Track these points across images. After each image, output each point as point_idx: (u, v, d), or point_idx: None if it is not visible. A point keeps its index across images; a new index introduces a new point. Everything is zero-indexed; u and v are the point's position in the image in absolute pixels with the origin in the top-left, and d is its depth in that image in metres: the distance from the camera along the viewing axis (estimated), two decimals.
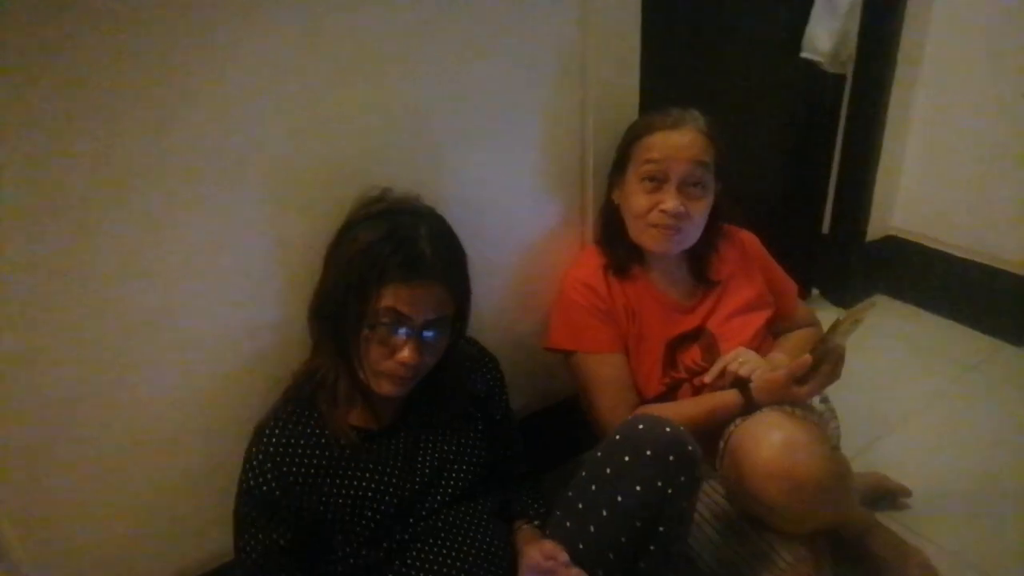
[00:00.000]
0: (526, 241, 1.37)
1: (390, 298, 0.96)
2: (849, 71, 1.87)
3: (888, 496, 1.47)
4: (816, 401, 1.28)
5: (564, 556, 0.99)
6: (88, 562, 1.07)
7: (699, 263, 1.33)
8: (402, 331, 0.98)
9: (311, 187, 1.08)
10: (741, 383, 1.19)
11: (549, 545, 1.02)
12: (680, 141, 1.21)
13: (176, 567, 1.15)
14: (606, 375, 1.27)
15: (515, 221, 1.34)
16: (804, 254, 2.08)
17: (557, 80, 1.28)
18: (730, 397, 1.18)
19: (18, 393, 0.95)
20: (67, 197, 0.91)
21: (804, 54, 1.77)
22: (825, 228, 2.13)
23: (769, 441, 1.05)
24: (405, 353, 0.98)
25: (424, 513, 1.07)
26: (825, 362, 1.12)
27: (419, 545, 1.05)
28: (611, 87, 1.34)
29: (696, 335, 1.30)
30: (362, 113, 1.10)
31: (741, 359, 1.20)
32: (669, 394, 1.27)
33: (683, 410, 1.20)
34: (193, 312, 1.04)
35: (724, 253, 1.35)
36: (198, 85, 0.95)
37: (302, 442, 1.02)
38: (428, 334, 0.99)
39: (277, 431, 1.02)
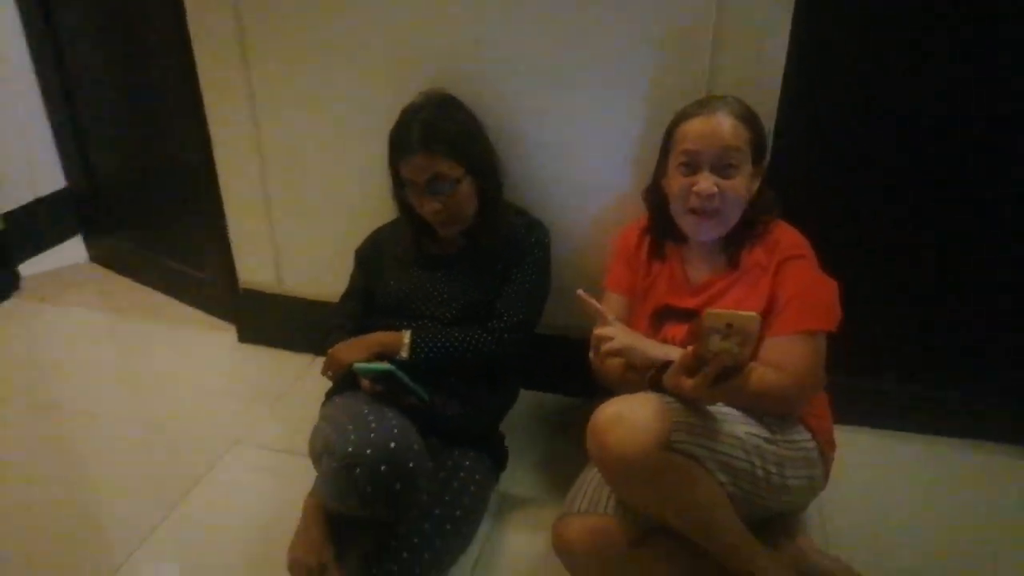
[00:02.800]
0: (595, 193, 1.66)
1: (405, 169, 1.49)
2: None
3: None
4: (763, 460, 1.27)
5: None
6: None
7: (731, 247, 1.39)
8: (418, 189, 1.49)
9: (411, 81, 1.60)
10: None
11: None
12: (713, 127, 1.31)
13: None
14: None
15: (603, 172, 1.64)
16: None
17: (674, 55, 1.48)
18: (629, 374, 1.33)
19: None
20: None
21: None
22: None
23: (605, 408, 1.22)
24: (428, 205, 1.50)
25: (429, 315, 1.57)
26: (710, 364, 1.15)
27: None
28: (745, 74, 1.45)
29: (688, 315, 1.38)
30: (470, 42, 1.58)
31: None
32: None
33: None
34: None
35: (759, 247, 1.37)
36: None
37: (389, 240, 1.67)
38: (444, 188, 1.47)
39: (378, 231, 1.70)
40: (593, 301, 1.33)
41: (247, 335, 2.16)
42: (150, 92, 2.18)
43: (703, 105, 1.36)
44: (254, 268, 2.05)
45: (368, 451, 1.18)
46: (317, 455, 1.33)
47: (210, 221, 2.04)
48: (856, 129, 1.58)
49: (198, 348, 2.17)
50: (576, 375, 1.50)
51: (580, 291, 1.34)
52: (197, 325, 2.28)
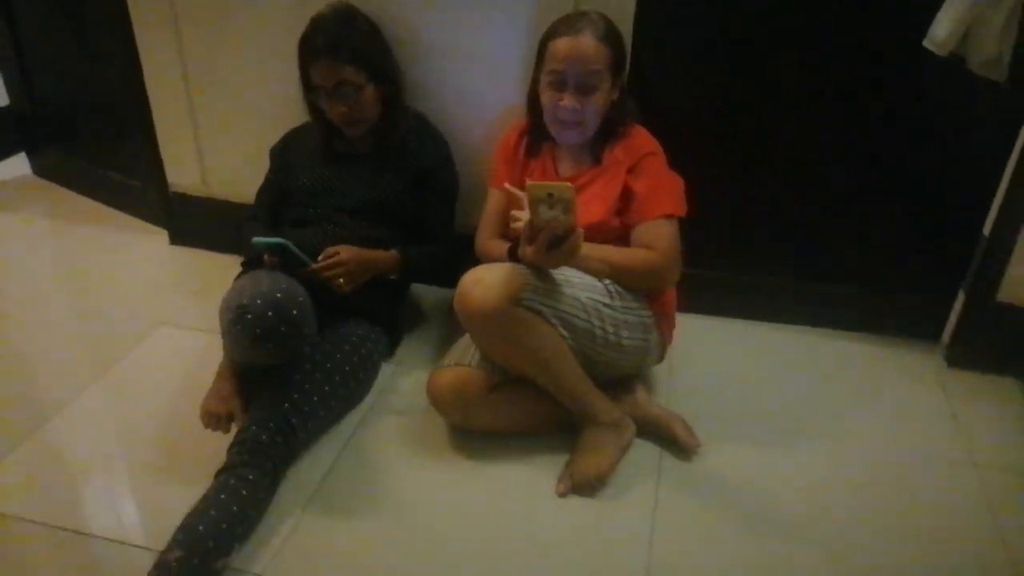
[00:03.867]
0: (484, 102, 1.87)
1: (313, 75, 1.67)
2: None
3: (674, 443, 1.58)
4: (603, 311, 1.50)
5: (343, 254, 1.62)
6: None
7: (596, 146, 1.61)
8: (326, 93, 1.68)
9: None
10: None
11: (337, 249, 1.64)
12: (578, 49, 1.50)
13: None
14: (488, 205, 1.74)
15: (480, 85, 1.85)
16: None
17: None
18: (501, 249, 1.56)
19: None
20: None
21: (924, 42, 1.57)
22: None
23: (468, 274, 1.44)
24: (335, 107, 1.69)
25: (335, 207, 1.77)
26: (542, 231, 1.35)
27: (322, 223, 1.78)
28: None
29: None
30: None
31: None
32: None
33: (495, 249, 1.63)
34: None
35: (619, 147, 1.59)
36: None
37: (301, 139, 1.86)
38: (350, 93, 1.66)
39: (291, 132, 1.89)
40: (515, 190, 1.49)
41: (178, 237, 2.34)
42: (84, 15, 2.32)
43: (570, 25, 1.54)
44: (182, 173, 2.22)
45: (258, 301, 1.39)
46: (221, 316, 1.54)
47: (142, 132, 2.19)
48: (705, 40, 1.79)
49: (133, 250, 2.35)
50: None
51: (506, 184, 1.54)
52: (133, 230, 2.45)
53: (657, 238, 1.53)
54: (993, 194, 1.74)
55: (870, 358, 1.91)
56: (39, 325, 1.99)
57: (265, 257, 1.60)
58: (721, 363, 1.88)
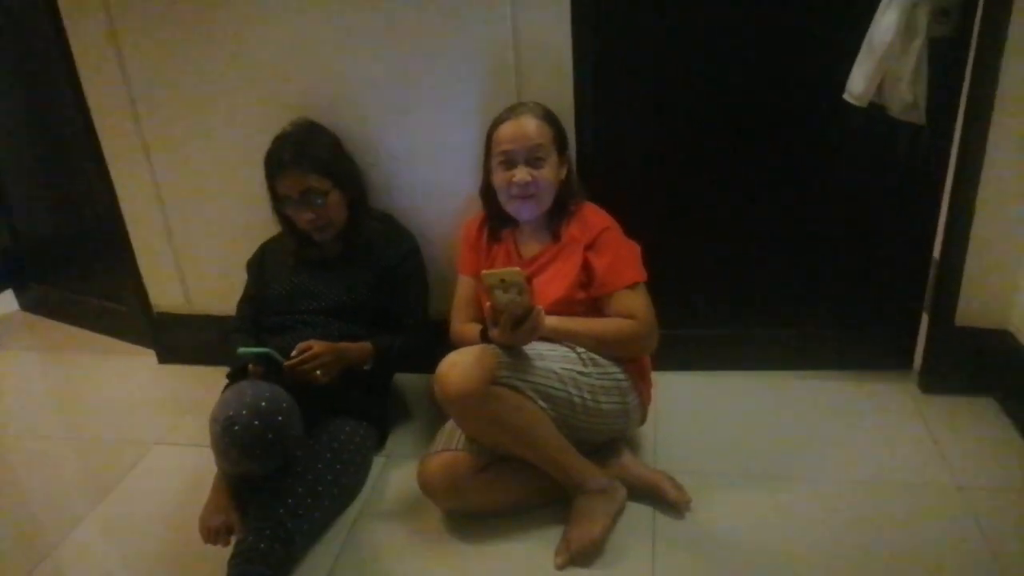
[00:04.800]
0: (447, 195, 1.97)
1: (279, 187, 1.77)
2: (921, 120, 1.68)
3: (664, 502, 1.60)
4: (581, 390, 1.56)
5: (316, 347, 1.66)
6: None
7: (552, 224, 1.70)
8: (293, 203, 1.77)
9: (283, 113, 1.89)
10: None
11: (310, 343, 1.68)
12: (522, 128, 1.63)
13: None
14: (459, 292, 1.82)
15: (442, 180, 1.97)
16: None
17: (491, 78, 1.82)
18: (474, 333, 1.62)
19: None
20: None
21: (844, 95, 1.69)
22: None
23: (444, 360, 1.50)
24: (302, 215, 1.78)
25: (311, 310, 1.84)
26: (504, 315, 1.44)
27: (300, 327, 1.85)
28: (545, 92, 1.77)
29: None
30: (333, 77, 1.89)
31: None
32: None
33: (467, 333, 1.69)
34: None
35: (574, 224, 1.68)
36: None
37: (275, 250, 1.94)
38: (316, 200, 1.76)
39: (265, 243, 1.98)
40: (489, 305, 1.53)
41: (166, 356, 2.40)
42: (58, 153, 2.44)
43: (512, 111, 1.68)
44: (164, 293, 2.30)
45: (243, 411, 1.44)
46: (210, 429, 1.58)
47: (122, 257, 2.28)
48: (640, 119, 1.92)
49: (122, 372, 2.40)
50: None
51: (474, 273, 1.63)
52: (121, 353, 2.51)
53: (633, 307, 1.61)
54: (935, 222, 1.84)
55: (846, 394, 1.97)
56: (35, 458, 2.02)
57: (250, 367, 1.65)
58: (702, 416, 1.93)
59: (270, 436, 1.44)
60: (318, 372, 1.66)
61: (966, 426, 1.81)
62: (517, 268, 1.42)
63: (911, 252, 1.90)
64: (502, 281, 1.41)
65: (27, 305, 2.88)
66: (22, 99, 2.47)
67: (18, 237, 2.77)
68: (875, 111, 1.71)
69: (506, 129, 1.65)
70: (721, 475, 1.70)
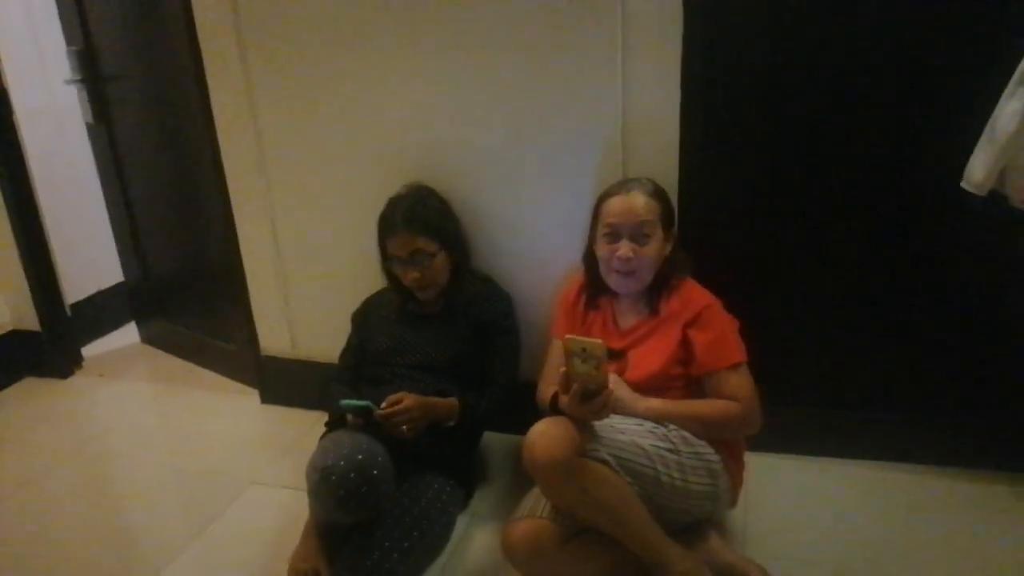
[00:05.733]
0: (547, 263, 2.02)
1: (390, 246, 1.86)
2: None
3: None
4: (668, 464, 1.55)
5: (406, 401, 1.70)
6: None
7: (652, 298, 1.71)
8: (401, 262, 1.86)
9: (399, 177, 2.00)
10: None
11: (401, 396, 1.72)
12: (630, 204, 1.66)
13: None
14: (550, 356, 1.84)
15: (543, 248, 2.02)
16: None
17: (599, 152, 1.87)
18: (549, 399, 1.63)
19: None
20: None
21: (963, 183, 1.64)
22: None
23: (533, 428, 1.50)
24: (409, 274, 1.87)
25: (409, 364, 1.92)
26: (575, 384, 1.44)
27: (398, 380, 1.91)
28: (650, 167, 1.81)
29: (618, 354, 1.70)
30: (448, 145, 1.99)
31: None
32: None
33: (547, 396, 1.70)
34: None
35: (674, 299, 1.68)
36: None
37: (379, 304, 2.04)
38: (423, 261, 1.84)
39: (370, 298, 2.07)
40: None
41: (269, 397, 2.52)
42: (190, 199, 2.65)
43: (622, 185, 1.71)
44: (273, 336, 2.43)
45: (341, 463, 1.49)
46: (307, 476, 1.64)
47: (237, 301, 2.43)
48: (747, 198, 1.91)
49: (227, 410, 2.53)
50: (536, 417, 1.72)
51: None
52: (227, 391, 2.65)
53: (736, 388, 1.60)
54: None
55: (958, 494, 1.85)
56: (140, 486, 2.15)
57: (349, 418, 1.72)
58: (796, 504, 1.86)
59: (364, 489, 1.49)
60: (404, 428, 1.70)
61: None
62: (600, 341, 1.42)
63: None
64: (584, 350, 1.41)
65: (147, 338, 3.09)
66: (163, 147, 2.70)
67: (147, 274, 3.00)
68: (995, 201, 1.65)
69: (615, 203, 1.68)
70: (812, 568, 1.63)
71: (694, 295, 1.68)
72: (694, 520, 1.65)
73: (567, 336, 1.44)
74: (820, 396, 1.99)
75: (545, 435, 1.48)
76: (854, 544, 1.70)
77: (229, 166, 2.28)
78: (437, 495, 1.74)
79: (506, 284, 2.04)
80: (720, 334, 1.63)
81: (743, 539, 1.73)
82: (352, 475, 1.48)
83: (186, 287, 2.87)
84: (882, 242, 1.85)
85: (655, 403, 1.59)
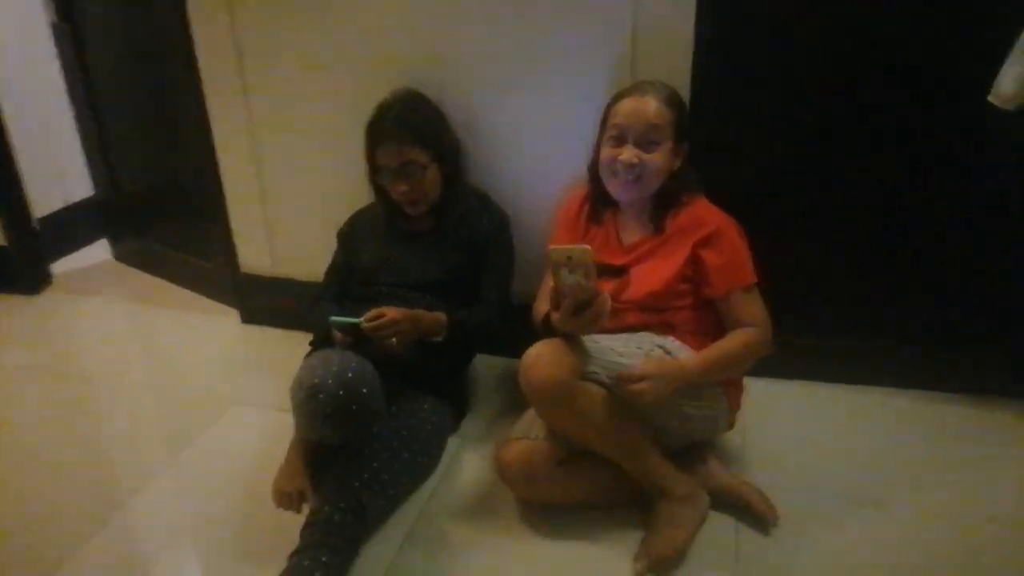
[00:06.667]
0: (547, 179, 1.90)
1: (379, 157, 1.74)
2: None
3: (750, 515, 1.52)
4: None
5: (390, 314, 1.61)
6: None
7: (658, 213, 1.61)
8: (391, 174, 1.74)
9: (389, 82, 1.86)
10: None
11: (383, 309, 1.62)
12: (641, 106, 1.54)
13: None
14: (546, 270, 1.75)
15: (543, 162, 1.90)
16: None
17: (606, 56, 1.75)
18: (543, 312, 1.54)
19: None
20: None
21: (990, 97, 1.55)
22: None
23: (529, 350, 1.44)
24: (398, 187, 1.75)
25: (397, 283, 1.81)
26: (567, 297, 1.36)
27: (385, 300, 1.78)
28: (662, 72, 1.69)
29: (619, 271, 1.61)
30: (442, 48, 1.86)
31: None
32: None
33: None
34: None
35: (683, 215, 1.59)
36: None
37: (365, 221, 1.93)
38: (413, 173, 1.72)
39: (357, 213, 1.96)
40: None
41: (249, 316, 2.43)
42: (164, 110, 2.49)
43: (635, 88, 1.59)
44: (253, 254, 2.32)
45: (329, 380, 1.42)
46: (293, 394, 1.57)
47: (215, 217, 2.31)
48: (763, 110, 1.80)
49: (206, 329, 2.44)
50: (531, 339, 1.66)
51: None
52: (206, 310, 2.56)
53: (753, 312, 1.55)
54: None
55: (954, 419, 1.83)
56: (117, 407, 2.07)
57: (338, 336, 1.63)
58: (794, 428, 1.82)
59: (353, 407, 1.41)
60: (394, 340, 1.62)
61: None
62: (587, 247, 1.32)
63: None
64: (569, 259, 1.32)
65: (120, 255, 2.97)
66: (131, 53, 2.52)
67: (119, 188, 2.84)
68: (1021, 116, 1.56)
69: (625, 104, 1.56)
70: (812, 493, 1.60)
71: (706, 214, 1.59)
72: (691, 443, 1.61)
73: (551, 247, 1.35)
74: (824, 322, 1.93)
75: (542, 357, 1.41)
76: (857, 471, 1.68)
77: (206, 73, 2.12)
78: (428, 416, 1.68)
79: (503, 202, 1.92)
80: (735, 255, 1.55)
81: (741, 463, 1.70)
82: (341, 392, 1.41)
83: (160, 202, 2.73)
84: (902, 159, 1.76)
85: (690, 362, 1.49)
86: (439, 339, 1.72)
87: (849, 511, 1.56)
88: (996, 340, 1.85)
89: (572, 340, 1.44)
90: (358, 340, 1.62)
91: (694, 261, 1.56)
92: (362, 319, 1.59)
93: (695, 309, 1.58)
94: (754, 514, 1.52)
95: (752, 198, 1.68)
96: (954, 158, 1.74)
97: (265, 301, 2.37)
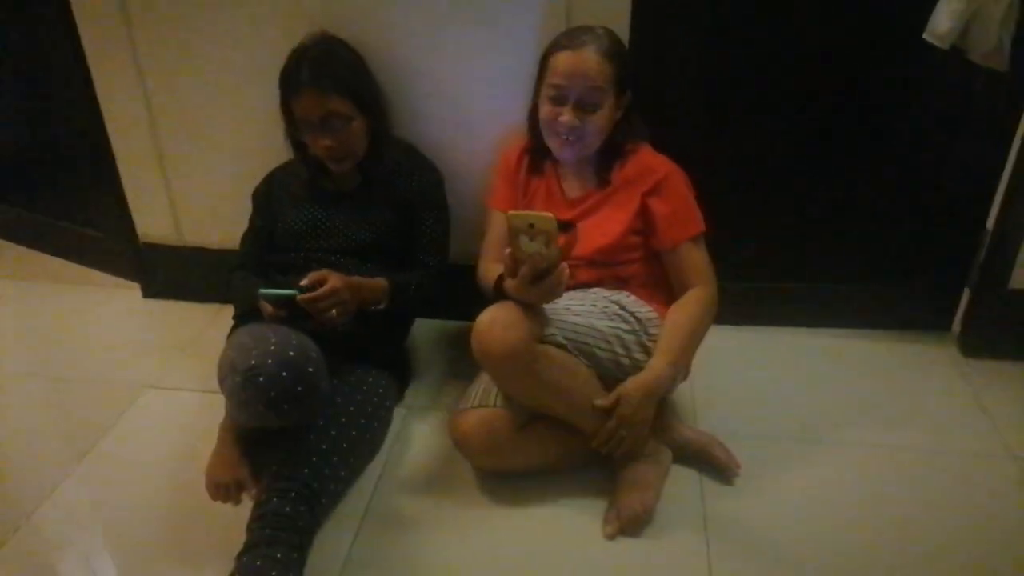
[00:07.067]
0: (480, 128, 1.78)
1: (297, 109, 1.57)
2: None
3: (712, 467, 1.52)
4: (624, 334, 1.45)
5: (331, 280, 1.46)
6: None
7: (602, 166, 1.54)
8: (311, 127, 1.57)
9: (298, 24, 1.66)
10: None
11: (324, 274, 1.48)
12: (580, 64, 1.43)
13: None
14: (490, 228, 1.66)
15: (475, 109, 1.77)
16: None
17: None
18: (492, 278, 1.47)
19: None
20: None
21: (924, 35, 1.55)
22: None
23: (482, 316, 1.35)
24: (320, 141, 1.58)
25: (325, 248, 1.66)
26: (525, 265, 1.28)
27: (313, 267, 1.62)
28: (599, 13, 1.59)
29: (566, 226, 1.51)
30: None
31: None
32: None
33: (489, 276, 1.52)
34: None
35: (628, 166, 1.52)
36: None
37: (284, 180, 1.75)
38: (337, 126, 1.56)
39: (273, 172, 1.77)
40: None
41: (152, 290, 2.20)
42: (23, 46, 2.15)
43: (573, 38, 1.47)
44: (152, 222, 2.09)
45: (269, 361, 1.28)
46: (223, 378, 1.42)
47: (102, 178, 2.05)
48: (699, 51, 1.74)
49: (101, 307, 2.19)
50: (469, 300, 1.59)
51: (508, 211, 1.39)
52: (98, 285, 2.29)
53: (700, 265, 1.52)
54: (996, 180, 1.74)
55: (887, 354, 1.89)
56: (9, 402, 1.83)
57: (268, 309, 1.48)
58: (741, 375, 1.83)
59: (299, 389, 1.28)
60: (334, 312, 1.48)
61: (1015, 392, 1.75)
62: (550, 215, 1.25)
63: (963, 211, 1.81)
64: (531, 227, 1.24)
65: None
66: None
67: None
68: (953, 52, 1.57)
69: (563, 60, 1.45)
70: (766, 440, 1.61)
71: (652, 162, 1.53)
72: None
73: (511, 212, 1.26)
74: (755, 267, 1.93)
75: (497, 323, 1.32)
76: (800, 411, 1.70)
77: (79, 11, 1.83)
78: (373, 388, 1.57)
79: (430, 153, 1.79)
80: (682, 203, 1.50)
81: (693, 414, 1.69)
82: (284, 374, 1.27)
83: (36, 166, 2.40)
84: (834, 98, 1.75)
85: (659, 357, 1.44)
86: (381, 307, 1.60)
87: (802, 452, 1.58)
88: (941, 277, 1.91)
89: (527, 304, 1.36)
90: (292, 314, 1.48)
91: (643, 212, 1.50)
92: (296, 291, 1.45)
93: (646, 262, 1.54)
94: (717, 467, 1.51)
95: (691, 143, 1.62)
96: (883, 95, 1.75)
97: (170, 273, 2.15)
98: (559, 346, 1.37)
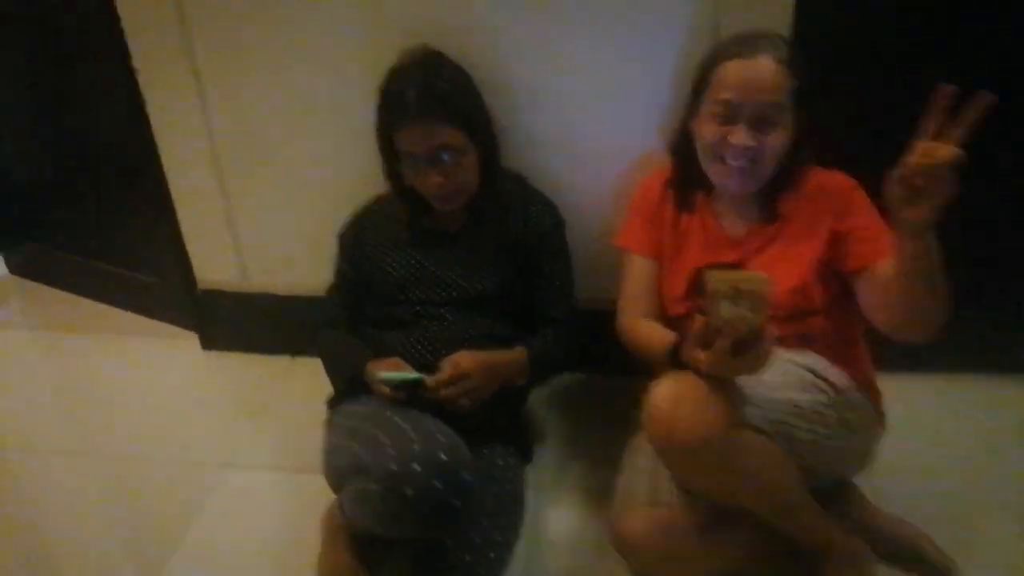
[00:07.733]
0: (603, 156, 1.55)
1: (401, 141, 1.32)
2: None
3: (922, 565, 1.28)
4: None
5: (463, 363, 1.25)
6: None
7: (769, 197, 1.29)
8: (421, 162, 1.32)
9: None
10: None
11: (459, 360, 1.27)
12: (755, 76, 1.19)
13: None
14: (632, 276, 1.40)
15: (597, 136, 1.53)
16: None
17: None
18: (661, 342, 1.21)
19: None
20: None
21: None
22: None
23: (659, 389, 1.10)
24: (430, 178, 1.33)
25: (436, 301, 1.41)
26: (721, 336, 1.05)
27: (424, 323, 1.40)
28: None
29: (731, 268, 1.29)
30: None
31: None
32: (688, 318, 1.29)
33: (651, 336, 1.30)
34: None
35: (800, 195, 1.28)
36: None
37: (376, 221, 1.49)
38: (444, 158, 1.31)
39: (362, 212, 1.52)
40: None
41: (211, 341, 1.95)
42: (70, 69, 1.88)
43: (745, 44, 1.22)
44: (213, 265, 1.84)
45: (416, 467, 1.02)
46: (341, 475, 1.17)
47: (155, 216, 1.80)
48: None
49: (155, 361, 1.93)
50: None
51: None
52: (149, 335, 2.03)
53: None
54: None
55: None
56: (55, 489, 1.55)
57: (384, 391, 1.23)
58: (931, 434, 1.56)
59: (457, 503, 1.03)
60: (465, 401, 1.25)
61: None
62: (763, 275, 1.02)
63: None
64: (736, 289, 1.01)
65: (18, 268, 2.35)
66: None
67: (10, 183, 2.22)
68: None
69: (734, 71, 1.21)
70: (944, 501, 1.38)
71: (828, 181, 1.29)
72: (832, 481, 1.33)
73: (713, 274, 1.02)
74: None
75: (684, 402, 1.07)
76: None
77: (129, 22, 1.58)
78: (504, 474, 1.31)
79: (543, 185, 1.53)
80: (876, 217, 1.23)
81: (869, 484, 1.43)
82: (437, 484, 1.02)
83: (70, 194, 2.11)
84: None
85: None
86: (520, 383, 1.35)
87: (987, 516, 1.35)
88: None
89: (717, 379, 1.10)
90: (413, 397, 1.23)
91: (835, 243, 1.25)
92: (422, 375, 1.21)
93: (832, 313, 1.27)
94: (924, 564, 1.26)
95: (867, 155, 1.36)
96: None
97: (233, 322, 1.90)
98: (758, 431, 1.12)
